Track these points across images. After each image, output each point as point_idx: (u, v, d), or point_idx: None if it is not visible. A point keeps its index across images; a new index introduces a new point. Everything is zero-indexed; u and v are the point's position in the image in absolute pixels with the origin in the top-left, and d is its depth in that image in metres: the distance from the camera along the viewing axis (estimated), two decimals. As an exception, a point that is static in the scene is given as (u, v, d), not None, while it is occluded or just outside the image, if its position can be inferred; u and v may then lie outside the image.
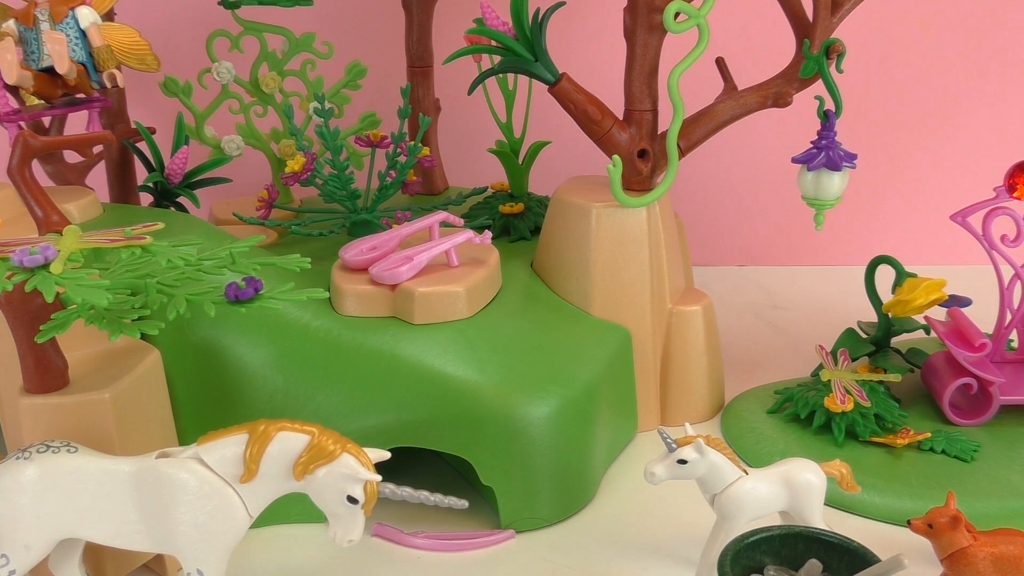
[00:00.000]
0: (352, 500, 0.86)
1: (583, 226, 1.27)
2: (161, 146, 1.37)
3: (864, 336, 1.40)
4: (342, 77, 1.52)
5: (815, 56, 1.21)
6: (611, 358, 1.23)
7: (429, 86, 1.63)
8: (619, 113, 1.28)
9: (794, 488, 0.96)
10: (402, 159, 1.38)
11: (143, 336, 0.88)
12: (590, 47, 1.82)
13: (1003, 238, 1.27)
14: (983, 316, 1.32)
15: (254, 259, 0.92)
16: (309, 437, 0.86)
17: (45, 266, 0.82)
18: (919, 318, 1.36)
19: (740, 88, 1.28)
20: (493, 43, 1.24)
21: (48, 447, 0.88)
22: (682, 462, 0.95)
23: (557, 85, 1.25)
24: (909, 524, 0.94)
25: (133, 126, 1.36)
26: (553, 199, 1.32)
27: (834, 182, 1.23)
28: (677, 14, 1.17)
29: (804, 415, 1.26)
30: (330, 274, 1.20)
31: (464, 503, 0.92)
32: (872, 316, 1.40)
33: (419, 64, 1.62)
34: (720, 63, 1.30)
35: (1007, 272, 1.28)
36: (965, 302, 1.33)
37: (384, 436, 1.08)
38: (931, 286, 1.29)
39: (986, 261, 1.28)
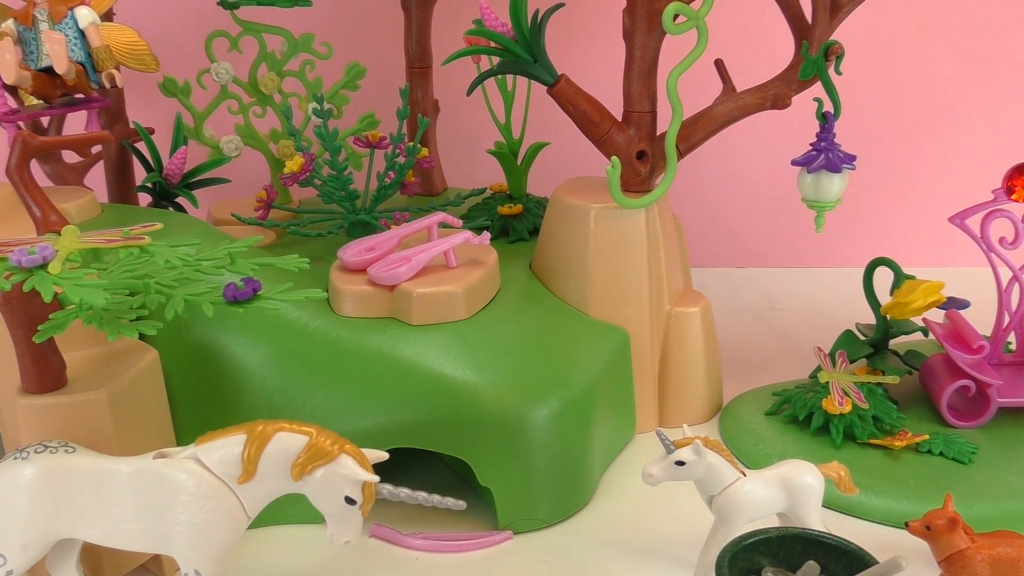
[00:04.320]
0: (350, 501, 0.86)
1: (582, 227, 1.27)
2: (160, 146, 1.37)
3: (862, 338, 1.40)
4: (341, 78, 1.52)
5: (814, 58, 1.21)
6: (609, 359, 1.23)
7: (428, 87, 1.64)
8: (618, 114, 1.28)
9: (792, 490, 0.96)
10: (401, 160, 1.38)
11: (141, 336, 0.88)
12: (589, 48, 1.82)
13: (1001, 240, 1.27)
14: (981, 318, 1.32)
15: (252, 259, 0.92)
16: (307, 438, 0.86)
17: (43, 266, 0.82)
18: (917, 320, 1.36)
19: (739, 90, 1.28)
20: (492, 44, 1.24)
21: (46, 447, 0.87)
22: (680, 463, 0.95)
23: (556, 86, 1.25)
24: (907, 526, 0.95)
25: (132, 126, 1.36)
26: (552, 200, 1.32)
27: (834, 184, 1.23)
28: (676, 16, 1.17)
29: (802, 417, 1.26)
30: (328, 275, 1.20)
31: (462, 504, 0.92)
32: (870, 318, 1.40)
33: (418, 65, 1.62)
34: (719, 65, 1.30)
35: (1005, 274, 1.28)
36: (963, 304, 1.33)
37: (382, 437, 1.07)
38: (929, 288, 1.29)
39: (984, 263, 1.28)
